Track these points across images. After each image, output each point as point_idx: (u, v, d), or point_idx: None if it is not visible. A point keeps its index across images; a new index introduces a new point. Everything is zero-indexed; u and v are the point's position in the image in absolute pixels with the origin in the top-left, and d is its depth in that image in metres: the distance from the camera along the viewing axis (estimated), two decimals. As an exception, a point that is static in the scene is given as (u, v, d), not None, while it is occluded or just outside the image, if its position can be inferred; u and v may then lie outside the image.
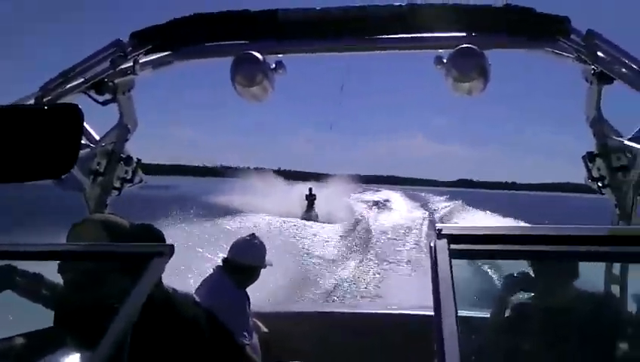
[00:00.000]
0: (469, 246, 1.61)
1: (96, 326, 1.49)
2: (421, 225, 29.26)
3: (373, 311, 4.77)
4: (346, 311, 4.83)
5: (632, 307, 2.55)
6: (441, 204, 50.72)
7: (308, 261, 17.60)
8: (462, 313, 1.40)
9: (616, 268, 2.87)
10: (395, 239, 23.72)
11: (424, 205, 48.84)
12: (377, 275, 15.70)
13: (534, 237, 1.63)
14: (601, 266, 2.84)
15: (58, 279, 2.31)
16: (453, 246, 1.54)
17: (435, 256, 1.52)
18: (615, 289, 2.86)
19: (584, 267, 2.39)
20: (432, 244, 1.57)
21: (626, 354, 1.91)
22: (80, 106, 1.68)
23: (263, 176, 49.81)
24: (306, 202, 33.77)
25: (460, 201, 50.73)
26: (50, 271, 2.27)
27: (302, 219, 29.33)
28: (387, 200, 50.02)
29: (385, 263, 17.71)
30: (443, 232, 1.59)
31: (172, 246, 1.78)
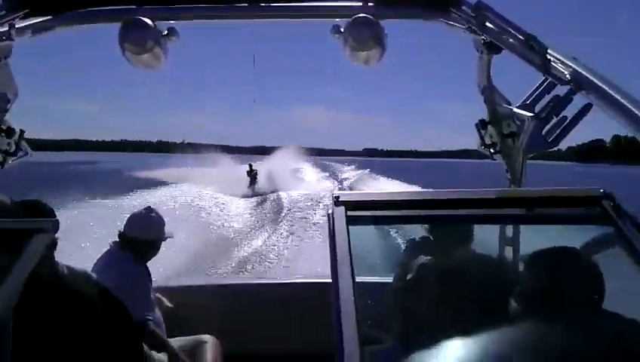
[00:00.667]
0: (367, 213, 1.61)
1: None
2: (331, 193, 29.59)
3: (276, 281, 4.80)
4: (249, 282, 4.84)
5: (522, 265, 2.69)
6: (350, 173, 51.68)
7: (220, 231, 17.53)
8: (362, 279, 1.40)
9: (510, 229, 3.01)
10: (307, 209, 23.91)
11: (333, 174, 49.49)
12: (289, 245, 15.80)
13: (431, 201, 1.66)
14: (496, 227, 2.96)
15: None
16: (350, 213, 1.53)
17: (333, 224, 1.51)
18: (508, 250, 3.00)
19: (481, 228, 2.48)
20: (329, 212, 1.56)
21: (518, 312, 2.00)
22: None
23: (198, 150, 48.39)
24: (248, 179, 33.61)
25: (368, 170, 51.99)
26: None
27: (245, 197, 29.00)
28: (298, 170, 50.14)
29: (296, 232, 17.88)
30: (340, 199, 1.58)
31: (56, 221, 1.66)
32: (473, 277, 2.22)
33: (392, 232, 12.90)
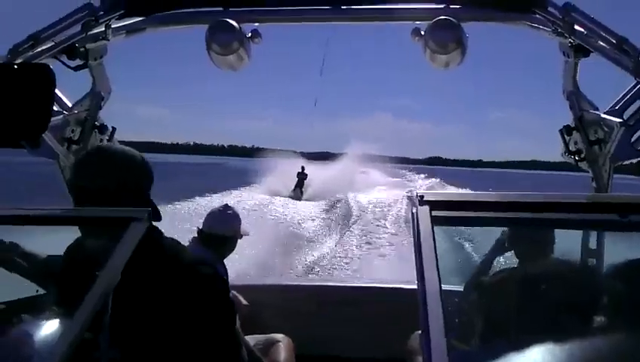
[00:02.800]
0: (451, 213, 1.55)
1: (78, 293, 1.43)
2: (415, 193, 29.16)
3: (354, 285, 4.75)
4: (326, 284, 4.81)
5: (608, 275, 2.55)
6: (422, 182, 51.01)
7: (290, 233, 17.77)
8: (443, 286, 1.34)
9: (594, 235, 2.85)
10: (378, 215, 23.75)
11: (403, 182, 48.92)
12: (359, 250, 15.74)
13: (517, 204, 1.58)
14: (579, 233, 2.82)
15: (34, 247, 2.26)
16: (435, 212, 1.47)
17: (418, 223, 1.46)
18: (593, 256, 2.85)
19: (565, 234, 2.36)
20: (413, 211, 1.51)
21: (603, 324, 1.88)
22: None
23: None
24: (296, 180, 33.29)
25: (439, 179, 51.20)
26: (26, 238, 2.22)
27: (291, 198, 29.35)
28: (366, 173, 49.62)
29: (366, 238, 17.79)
30: (425, 199, 1.52)
31: (149, 211, 1.71)
32: (555, 285, 2.11)
33: (463, 238, 12.63)
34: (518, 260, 2.57)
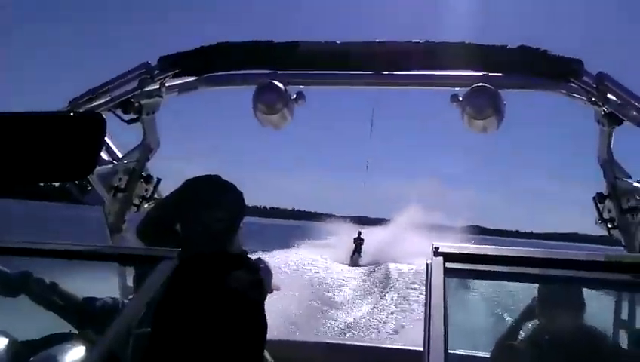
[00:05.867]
0: (466, 266, 1.50)
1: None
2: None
3: (387, 346, 4.60)
4: (348, 342, 4.68)
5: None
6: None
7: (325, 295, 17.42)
8: (456, 351, 1.29)
9: (624, 297, 2.71)
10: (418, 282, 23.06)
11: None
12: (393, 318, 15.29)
13: (533, 259, 1.53)
14: (603, 296, 2.69)
15: (71, 288, 2.34)
16: (448, 264, 1.44)
17: (430, 275, 1.42)
18: (622, 319, 2.70)
19: (594, 298, 2.25)
20: (428, 262, 1.48)
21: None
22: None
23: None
24: (354, 246, 32.46)
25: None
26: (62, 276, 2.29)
27: (349, 265, 28.50)
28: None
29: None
30: (440, 250, 1.49)
31: (179, 251, 1.76)
32: (583, 353, 2.00)
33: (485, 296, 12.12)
34: (546, 324, 2.45)
